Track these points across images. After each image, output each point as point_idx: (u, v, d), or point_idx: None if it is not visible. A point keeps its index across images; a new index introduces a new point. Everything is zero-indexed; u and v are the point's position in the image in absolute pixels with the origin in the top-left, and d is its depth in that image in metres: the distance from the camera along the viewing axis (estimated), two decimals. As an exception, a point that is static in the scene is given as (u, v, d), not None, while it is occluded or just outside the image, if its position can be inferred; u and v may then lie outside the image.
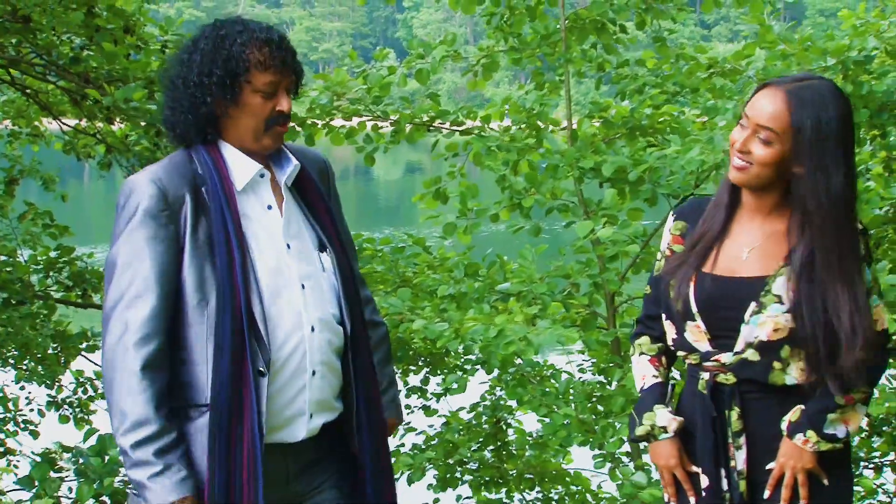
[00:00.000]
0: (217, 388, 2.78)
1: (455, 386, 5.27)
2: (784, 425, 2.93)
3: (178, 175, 2.85)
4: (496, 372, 5.56)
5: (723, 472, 2.99)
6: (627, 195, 5.38)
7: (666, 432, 3.05)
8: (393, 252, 6.03)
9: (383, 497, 3.06)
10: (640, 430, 3.06)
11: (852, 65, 5.19)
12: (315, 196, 3.06)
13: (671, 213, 3.17)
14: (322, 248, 3.02)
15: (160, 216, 2.81)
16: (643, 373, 3.14)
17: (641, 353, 3.16)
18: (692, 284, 2.97)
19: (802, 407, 2.90)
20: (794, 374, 2.90)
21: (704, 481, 3.02)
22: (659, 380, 3.12)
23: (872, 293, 2.89)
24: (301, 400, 2.93)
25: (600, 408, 5.27)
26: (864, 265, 2.89)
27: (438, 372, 6.40)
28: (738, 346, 2.93)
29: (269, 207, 2.95)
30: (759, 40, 5.35)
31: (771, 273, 2.89)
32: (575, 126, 5.80)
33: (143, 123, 6.02)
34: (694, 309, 2.96)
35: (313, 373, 2.93)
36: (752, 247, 2.95)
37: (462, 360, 6.22)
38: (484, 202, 5.38)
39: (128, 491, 2.79)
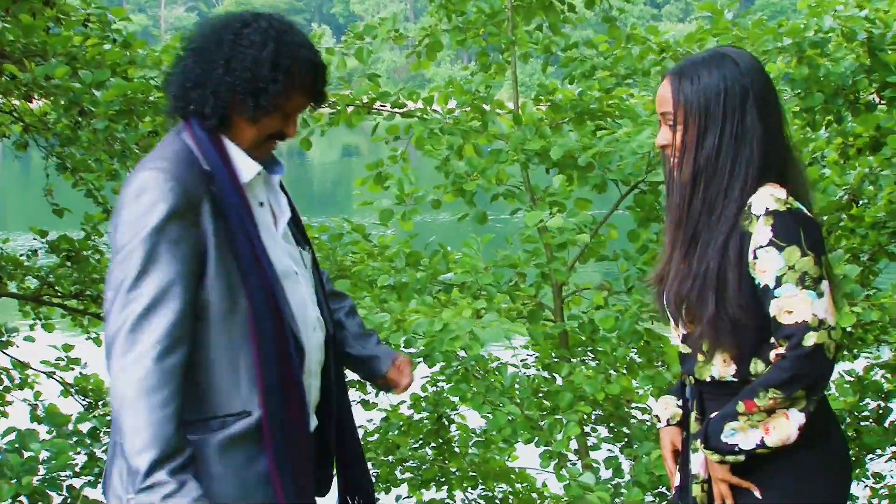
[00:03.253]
0: (272, 399, 2.74)
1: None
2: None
3: (190, 171, 2.75)
4: (439, 366, 5.58)
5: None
6: (576, 181, 5.42)
7: (660, 421, 3.14)
8: (331, 240, 6.01)
9: (372, 494, 3.17)
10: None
11: (808, 46, 5.25)
12: (286, 194, 3.07)
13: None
14: (301, 245, 3.06)
15: (186, 218, 2.69)
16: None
17: None
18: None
19: (715, 414, 2.88)
20: (718, 366, 2.89)
21: (677, 479, 3.08)
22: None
23: (784, 281, 2.75)
24: (310, 402, 2.96)
25: (547, 403, 5.31)
26: (746, 241, 2.80)
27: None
28: (680, 339, 3.00)
29: (262, 204, 2.93)
30: (713, 27, 5.41)
31: None
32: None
33: (63, 102, 5.94)
34: (665, 301, 3.01)
35: (313, 373, 2.97)
36: None
37: (403, 353, 6.22)
38: (427, 187, 5.38)
39: None
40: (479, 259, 5.27)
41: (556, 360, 5.51)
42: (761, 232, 2.78)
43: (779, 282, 2.75)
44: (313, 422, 3.00)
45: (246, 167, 2.85)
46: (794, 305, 2.73)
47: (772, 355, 2.77)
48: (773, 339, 2.78)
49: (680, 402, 3.12)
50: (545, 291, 5.55)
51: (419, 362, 5.57)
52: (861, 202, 5.70)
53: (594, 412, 5.66)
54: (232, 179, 2.79)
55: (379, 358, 3.25)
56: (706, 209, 2.85)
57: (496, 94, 5.85)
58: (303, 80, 2.83)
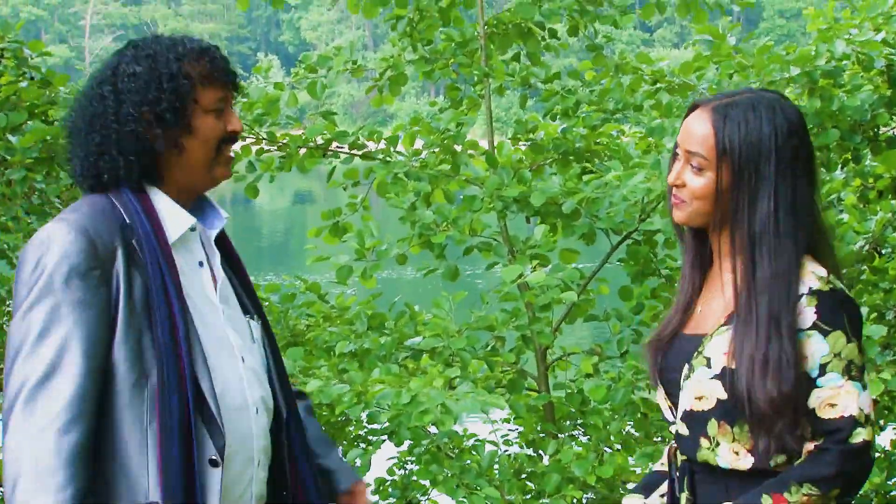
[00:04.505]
0: (171, 481, 2.69)
1: (358, 463, 5.24)
2: None
3: (104, 222, 2.73)
4: (407, 444, 5.54)
5: None
6: (560, 230, 5.42)
7: None
8: (282, 301, 5.99)
9: None
10: None
11: (820, 76, 5.28)
12: (233, 254, 3.05)
13: None
14: (249, 314, 3.02)
15: (90, 276, 2.67)
16: (661, 459, 3.16)
17: None
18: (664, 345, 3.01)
19: None
20: (725, 455, 2.87)
21: None
22: (663, 469, 3.11)
23: (829, 370, 2.77)
24: (248, 495, 2.90)
25: (531, 486, 5.28)
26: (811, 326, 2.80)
27: (337, 444, 6.36)
28: (678, 416, 2.97)
29: (201, 264, 2.92)
30: (713, 54, 5.44)
31: (710, 331, 2.92)
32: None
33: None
34: (655, 373, 3.01)
35: (258, 462, 2.91)
36: (707, 298, 2.99)
37: (365, 429, 6.19)
38: (391, 239, 5.37)
39: None
40: (450, 321, 5.24)
41: (541, 435, 5.48)
42: (804, 313, 2.79)
43: (822, 370, 2.77)
44: None
45: (176, 221, 2.84)
46: (839, 398, 2.76)
47: (807, 447, 2.78)
48: (799, 431, 2.79)
49: (648, 500, 3.09)
50: (527, 357, 5.53)
51: (384, 440, 5.54)
52: (884, 252, 5.72)
53: (585, 496, 5.62)
54: (157, 235, 2.77)
55: (340, 474, 3.19)
56: (778, 283, 2.83)
57: (468, 132, 5.86)
58: (199, 70, 2.84)
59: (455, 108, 5.95)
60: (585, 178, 5.38)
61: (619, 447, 5.49)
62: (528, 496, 5.20)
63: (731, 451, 2.86)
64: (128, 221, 2.76)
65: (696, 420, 2.90)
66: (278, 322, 5.86)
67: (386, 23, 5.96)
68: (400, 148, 5.78)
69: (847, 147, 5.40)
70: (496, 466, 5.23)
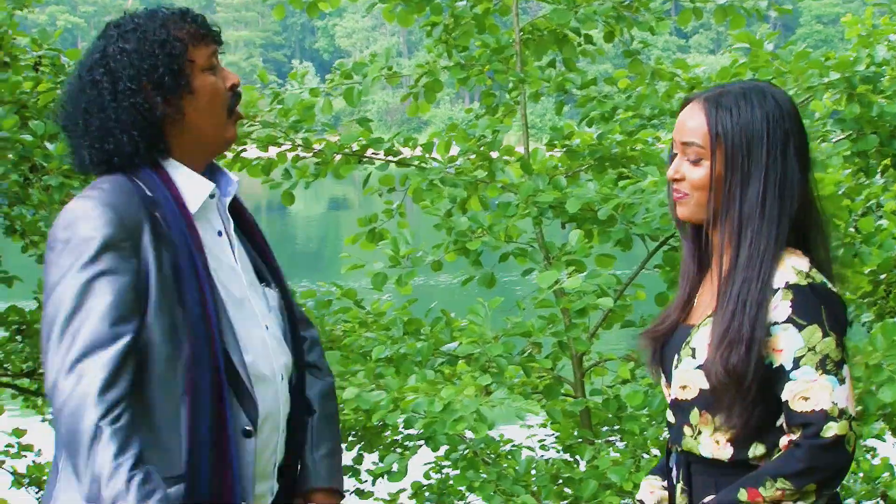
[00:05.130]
0: (196, 455, 2.74)
1: (395, 468, 5.26)
2: None
3: (127, 197, 2.77)
4: (443, 449, 5.55)
5: None
6: (596, 237, 5.43)
7: None
8: (318, 307, 6.01)
9: None
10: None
11: (859, 81, 5.28)
12: (249, 220, 3.08)
13: None
14: (265, 282, 3.04)
15: (121, 248, 2.71)
16: None
17: None
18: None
19: (709, 499, 2.88)
20: (707, 444, 2.90)
21: None
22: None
23: (803, 363, 2.76)
24: (271, 464, 2.96)
25: (568, 491, 5.28)
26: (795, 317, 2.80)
27: (374, 448, 6.38)
28: (669, 404, 3.01)
29: (220, 233, 2.95)
30: (750, 61, 5.44)
31: (698, 321, 2.95)
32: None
33: (11, 156, 5.97)
34: (654, 364, 3.06)
35: (282, 429, 2.97)
36: (702, 291, 3.03)
37: (402, 434, 6.21)
38: (426, 246, 5.38)
39: None
40: (486, 327, 5.25)
41: (578, 441, 5.48)
42: (779, 307, 2.81)
43: (796, 363, 2.78)
44: (274, 486, 2.98)
45: (196, 191, 2.87)
46: (811, 391, 2.76)
47: (783, 441, 2.80)
48: (779, 423, 2.81)
49: (665, 483, 3.12)
50: (563, 363, 5.54)
51: (420, 445, 5.56)
52: (923, 257, 5.70)
53: (622, 502, 5.62)
54: (179, 206, 2.81)
55: (317, 474, 3.13)
56: (753, 264, 2.86)
57: (504, 138, 5.87)
58: (187, 31, 2.87)
59: (490, 114, 5.97)
60: (621, 184, 5.37)
61: (656, 453, 5.49)
62: (565, 502, 5.20)
63: (712, 441, 2.89)
64: (150, 195, 2.79)
65: (680, 409, 2.95)
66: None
67: (421, 30, 5.98)
68: (435, 154, 5.79)
69: (886, 153, 5.40)
70: (533, 472, 5.24)
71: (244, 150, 5.83)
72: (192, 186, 2.87)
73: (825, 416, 2.73)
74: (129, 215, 2.74)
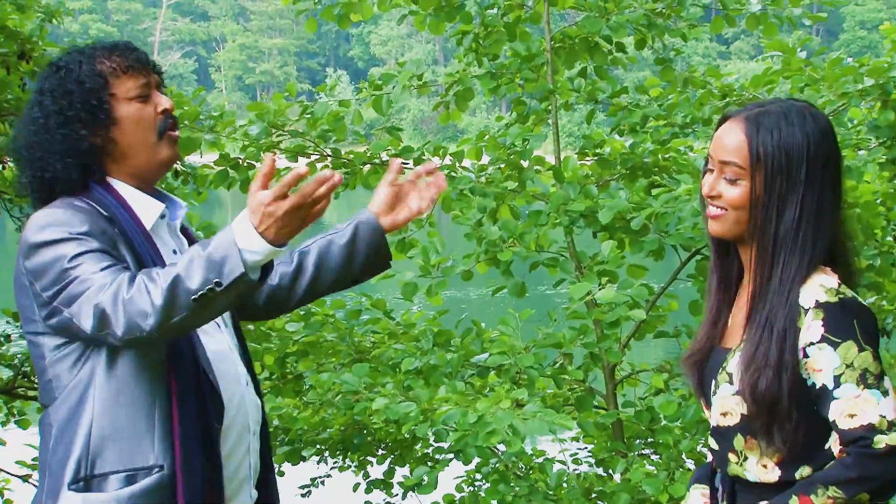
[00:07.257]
0: (187, 446, 2.88)
1: (425, 481, 5.27)
2: None
3: (88, 214, 2.92)
4: (475, 462, 5.56)
5: None
6: (628, 246, 5.43)
7: None
8: (347, 317, 6.03)
9: None
10: None
11: (894, 88, 5.27)
12: (194, 242, 3.21)
13: None
14: None
15: (101, 238, 2.87)
16: None
17: None
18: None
19: None
20: (753, 469, 2.93)
21: None
22: None
23: (843, 381, 2.79)
24: (246, 464, 3.09)
25: (601, 504, 5.29)
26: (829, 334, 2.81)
27: (405, 461, 6.39)
28: (710, 432, 3.03)
29: (175, 252, 3.10)
30: (783, 69, 5.43)
31: (733, 346, 2.97)
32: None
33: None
34: (697, 387, 3.07)
35: (253, 432, 3.11)
36: (735, 311, 3.05)
37: (432, 447, 6.21)
38: (456, 256, 5.39)
39: None
40: (517, 338, 5.26)
41: (611, 454, 5.48)
42: (811, 327, 2.82)
43: (837, 382, 2.80)
44: (253, 494, 3.13)
45: (147, 209, 3.04)
46: (856, 408, 2.78)
47: (835, 451, 2.81)
48: (827, 445, 2.84)
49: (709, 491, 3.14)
50: (595, 374, 5.54)
51: (451, 458, 5.56)
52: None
53: (657, 515, 5.62)
54: (135, 221, 2.98)
55: (361, 221, 3.34)
56: (782, 290, 2.88)
57: (535, 147, 5.88)
58: (111, 65, 3.03)
59: (521, 123, 5.98)
60: (654, 192, 5.36)
61: (690, 466, 5.48)
62: (597, 516, 5.21)
63: (759, 465, 2.92)
64: (105, 213, 2.95)
65: (723, 436, 2.97)
66: (343, 338, 5.91)
67: (453, 38, 6.01)
68: (466, 163, 5.80)
69: (921, 164, 5.39)
70: (564, 485, 5.24)
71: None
72: (143, 205, 3.05)
73: (874, 430, 2.75)
74: (97, 223, 2.90)
